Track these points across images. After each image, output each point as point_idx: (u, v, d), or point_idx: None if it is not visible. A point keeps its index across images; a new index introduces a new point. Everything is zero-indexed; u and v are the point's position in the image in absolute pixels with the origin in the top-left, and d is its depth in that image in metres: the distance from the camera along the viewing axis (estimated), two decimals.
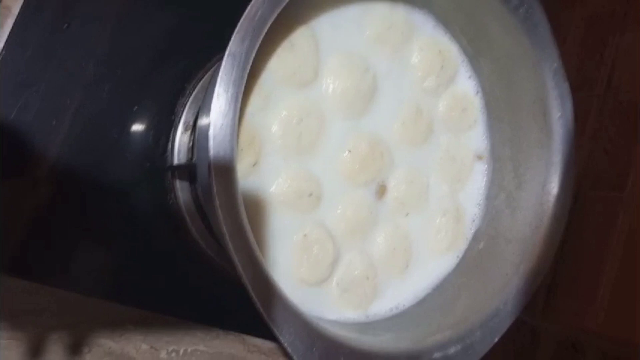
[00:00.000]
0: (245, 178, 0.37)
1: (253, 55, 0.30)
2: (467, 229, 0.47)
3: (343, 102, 0.40)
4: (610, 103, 0.58)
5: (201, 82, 0.46)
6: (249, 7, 0.29)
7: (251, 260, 0.30)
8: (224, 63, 0.28)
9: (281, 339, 0.30)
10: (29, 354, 0.45)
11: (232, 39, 0.29)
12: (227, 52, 0.28)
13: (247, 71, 0.29)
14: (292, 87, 0.39)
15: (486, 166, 0.48)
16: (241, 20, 0.29)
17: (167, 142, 0.46)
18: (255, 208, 0.37)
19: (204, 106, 0.39)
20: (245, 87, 0.31)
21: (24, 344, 0.45)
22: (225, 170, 0.29)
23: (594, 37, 0.61)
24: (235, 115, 0.29)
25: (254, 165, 0.37)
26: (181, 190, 0.45)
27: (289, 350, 0.30)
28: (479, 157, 0.48)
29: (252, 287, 0.30)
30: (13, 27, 0.40)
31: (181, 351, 0.51)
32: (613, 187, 0.55)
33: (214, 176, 0.29)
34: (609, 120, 0.58)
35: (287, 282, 0.37)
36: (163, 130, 0.46)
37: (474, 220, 0.48)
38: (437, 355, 0.37)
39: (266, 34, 0.31)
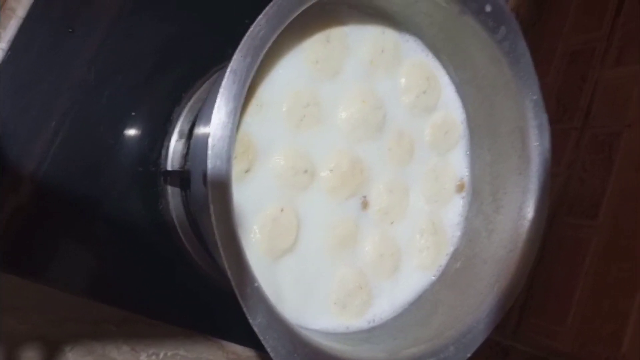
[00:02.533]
0: (236, 183, 0.38)
1: (253, 72, 0.31)
2: (446, 248, 0.49)
3: (349, 127, 0.43)
4: (587, 135, 0.61)
5: (198, 92, 0.47)
6: (252, 27, 0.31)
7: (240, 268, 0.31)
8: (225, 78, 0.30)
9: (264, 343, 0.32)
10: (12, 349, 0.46)
11: (235, 56, 0.30)
12: (229, 69, 0.30)
13: (247, 86, 0.31)
14: (312, 71, 0.41)
15: (466, 190, 0.50)
16: (244, 39, 0.31)
17: (162, 148, 0.47)
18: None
19: (201, 117, 0.41)
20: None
21: (8, 339, 0.45)
22: (221, 179, 0.31)
23: (574, 72, 0.64)
24: (233, 127, 0.30)
25: (246, 171, 0.38)
26: (172, 196, 0.46)
27: (272, 354, 0.32)
28: (460, 186, 0.50)
29: (240, 294, 0.31)
30: (19, 29, 0.41)
31: (161, 354, 0.52)
32: (587, 214, 0.57)
33: (210, 185, 0.30)
34: (585, 151, 0.60)
35: None
36: (158, 136, 0.47)
37: (452, 240, 0.49)
38: None
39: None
